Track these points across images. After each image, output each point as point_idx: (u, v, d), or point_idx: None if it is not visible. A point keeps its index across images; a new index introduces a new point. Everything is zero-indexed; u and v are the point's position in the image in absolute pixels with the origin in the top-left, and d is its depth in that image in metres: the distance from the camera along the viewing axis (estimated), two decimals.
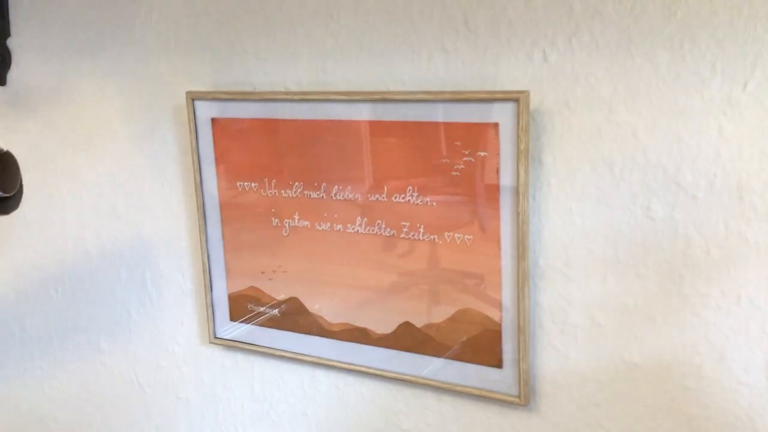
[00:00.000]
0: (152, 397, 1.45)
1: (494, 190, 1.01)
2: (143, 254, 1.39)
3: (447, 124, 1.02)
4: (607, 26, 0.94)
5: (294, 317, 1.22)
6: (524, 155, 0.98)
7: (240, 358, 1.33)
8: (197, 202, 1.26)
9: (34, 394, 1.60)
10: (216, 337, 1.31)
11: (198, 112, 1.22)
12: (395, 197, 1.09)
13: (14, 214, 1.15)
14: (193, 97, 1.22)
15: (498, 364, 1.06)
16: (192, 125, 1.23)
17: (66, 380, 1.55)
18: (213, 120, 1.21)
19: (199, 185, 1.25)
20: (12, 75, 1.46)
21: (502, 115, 0.98)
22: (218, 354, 1.35)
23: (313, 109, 1.12)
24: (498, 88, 1.01)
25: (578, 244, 1.01)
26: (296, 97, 1.13)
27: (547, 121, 0.99)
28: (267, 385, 1.31)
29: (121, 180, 1.38)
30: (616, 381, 1.02)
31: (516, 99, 0.97)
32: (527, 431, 1.09)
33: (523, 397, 1.05)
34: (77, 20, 1.36)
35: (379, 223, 1.11)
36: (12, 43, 1.45)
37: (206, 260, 1.28)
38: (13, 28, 1.45)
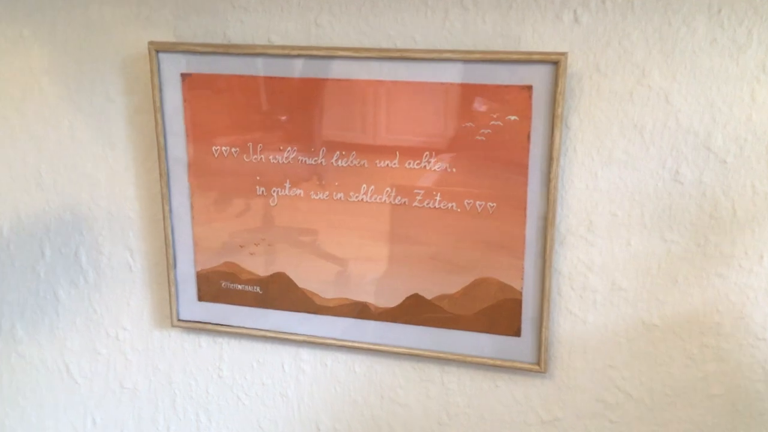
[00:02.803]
0: (87, 388, 1.28)
1: (524, 156, 0.97)
2: (76, 228, 1.21)
3: (474, 86, 0.96)
4: None
5: (279, 294, 1.12)
6: (560, 120, 0.95)
7: (204, 341, 1.20)
8: (160, 168, 1.10)
9: None
10: (180, 320, 1.17)
11: (163, 66, 1.06)
12: (408, 163, 1.01)
13: None
14: (157, 49, 1.05)
15: (516, 332, 1.04)
16: (156, 80, 1.06)
17: None
18: (183, 75, 1.06)
19: (163, 149, 1.09)
20: None
21: (537, 77, 0.94)
22: (176, 338, 1.21)
23: (314, 66, 1.01)
24: (522, 49, 0.97)
25: (602, 209, 1.00)
26: (294, 52, 1.01)
27: (575, 84, 0.97)
28: (237, 367, 1.20)
29: (48, 144, 1.18)
30: (633, 342, 1.03)
31: (556, 61, 0.93)
32: (540, 397, 1.09)
33: (543, 364, 1.04)
34: None
35: (388, 191, 1.03)
36: None
37: (170, 233, 1.13)
38: None
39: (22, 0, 1.13)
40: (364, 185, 1.04)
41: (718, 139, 0.95)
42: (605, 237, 1.01)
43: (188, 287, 1.16)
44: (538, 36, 0.97)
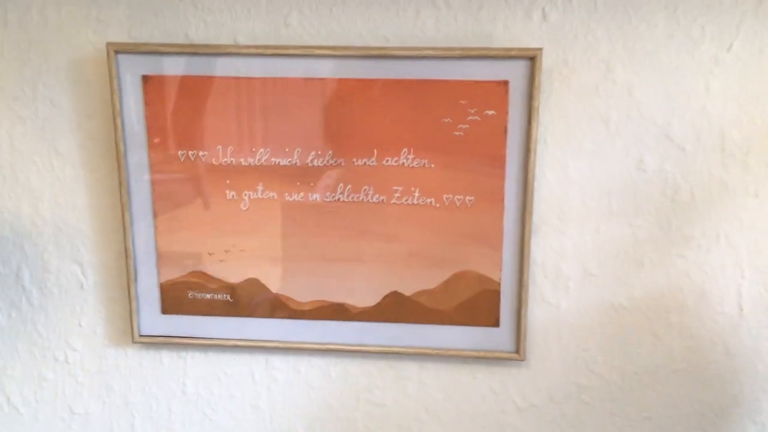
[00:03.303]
0: (32, 417, 1.19)
1: (501, 149, 1.00)
2: (17, 244, 1.12)
3: (451, 82, 0.98)
4: None
5: (251, 301, 1.09)
6: (536, 113, 0.98)
7: (166, 356, 1.15)
8: (120, 176, 1.04)
9: None
10: (141, 335, 1.11)
11: (122, 68, 1.01)
12: (386, 161, 1.02)
13: None
14: (116, 50, 1.00)
15: (495, 323, 1.06)
16: (114, 84, 1.01)
17: None
18: (144, 77, 1.01)
19: (123, 155, 1.04)
20: None
21: (513, 73, 0.98)
22: (134, 355, 1.15)
23: (285, 65, 0.99)
24: (494, 46, 1.00)
25: (573, 198, 1.04)
26: (268, 51, 0.99)
27: (545, 79, 1.01)
28: (203, 382, 1.15)
29: None
30: (604, 326, 1.08)
31: (532, 57, 0.96)
32: (517, 386, 1.11)
33: (522, 352, 1.07)
34: None
35: (366, 190, 1.03)
36: None
37: (130, 245, 1.07)
38: None
39: None
40: (341, 184, 1.03)
41: (677, 129, 1.01)
42: (576, 225, 1.05)
43: (150, 300, 1.10)
44: (508, 33, 1.00)
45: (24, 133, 1.08)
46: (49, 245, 1.12)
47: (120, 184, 1.05)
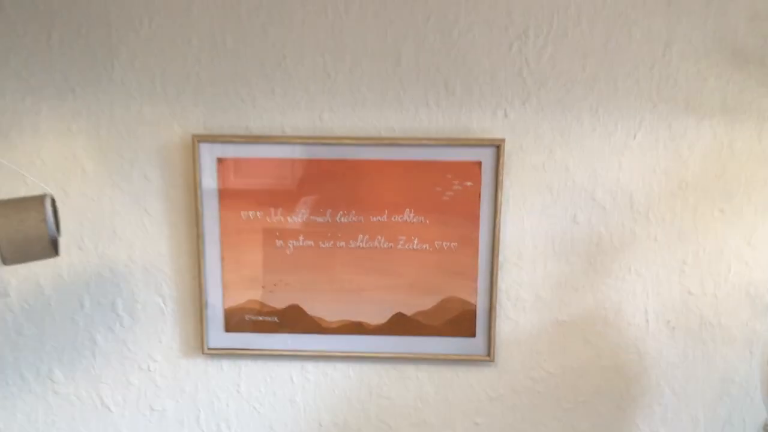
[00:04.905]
0: (119, 414, 1.54)
1: (475, 209, 1.40)
2: (114, 283, 1.48)
3: (440, 162, 1.39)
4: (549, 95, 1.39)
5: (293, 321, 1.46)
6: (501, 185, 1.39)
7: (226, 364, 1.52)
8: (198, 230, 1.42)
9: None
10: (209, 348, 1.48)
11: (202, 152, 1.39)
12: (394, 218, 1.41)
13: None
14: (198, 139, 1.38)
15: (472, 334, 1.46)
16: (197, 164, 1.39)
17: (4, 417, 1.54)
18: (219, 159, 1.39)
19: (201, 215, 1.41)
20: None
21: (484, 155, 1.38)
22: (201, 364, 1.52)
23: (320, 150, 1.38)
24: (471, 137, 1.41)
25: (527, 243, 1.45)
26: (307, 140, 1.38)
27: (507, 159, 1.41)
28: (253, 382, 1.52)
29: (89, 215, 1.45)
30: (551, 335, 1.48)
31: (498, 144, 1.37)
32: (488, 381, 1.51)
33: (492, 355, 1.47)
34: (36, 65, 1.40)
35: (379, 239, 1.42)
36: None
37: (203, 281, 1.44)
38: None
39: (71, 101, 1.41)
40: (361, 235, 1.42)
41: (599, 194, 1.43)
42: (529, 263, 1.46)
43: (216, 322, 1.47)
44: (480, 127, 1.41)
45: (122, 199, 1.45)
46: (139, 282, 1.48)
47: (197, 236, 1.43)
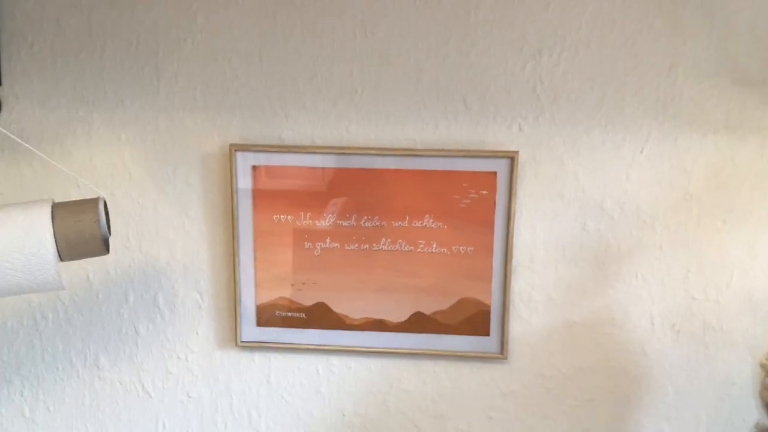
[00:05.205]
0: (159, 400, 1.67)
1: (491, 216, 1.51)
2: (156, 279, 1.61)
3: (458, 172, 1.49)
4: (561, 110, 1.49)
5: (319, 318, 1.58)
6: (514, 194, 1.49)
7: (257, 356, 1.64)
8: (233, 232, 1.54)
9: (14, 420, 1.70)
10: (242, 341, 1.60)
11: (238, 160, 1.51)
12: (414, 223, 1.52)
13: None
14: (235, 149, 1.51)
15: (487, 333, 1.56)
16: (234, 171, 1.51)
17: (53, 400, 1.68)
18: (254, 167, 1.52)
19: (236, 218, 1.54)
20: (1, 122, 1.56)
21: (499, 166, 1.48)
22: (234, 356, 1.64)
23: (346, 159, 1.50)
24: (487, 149, 1.51)
25: (539, 248, 1.55)
26: (335, 150, 1.50)
27: (520, 170, 1.51)
28: (282, 373, 1.64)
29: (134, 217, 1.59)
30: (561, 335, 1.58)
31: (512, 156, 1.47)
32: (501, 377, 1.61)
33: (505, 353, 1.57)
34: (90, 79, 1.53)
35: (400, 242, 1.53)
36: (3, 92, 1.55)
37: (238, 279, 1.57)
38: (5, 79, 1.55)
39: (120, 112, 1.55)
40: (383, 238, 1.53)
41: (608, 203, 1.52)
42: (541, 266, 1.56)
43: (249, 317, 1.59)
44: (496, 139, 1.51)
45: (165, 202, 1.58)
46: (179, 279, 1.61)
47: (233, 237, 1.55)
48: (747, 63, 1.44)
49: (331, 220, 1.54)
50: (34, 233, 1.26)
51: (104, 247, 1.31)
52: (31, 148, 1.49)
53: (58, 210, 1.29)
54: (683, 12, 1.43)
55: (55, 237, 1.26)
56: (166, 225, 1.60)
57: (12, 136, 1.42)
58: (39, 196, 1.59)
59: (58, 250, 1.27)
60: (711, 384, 1.58)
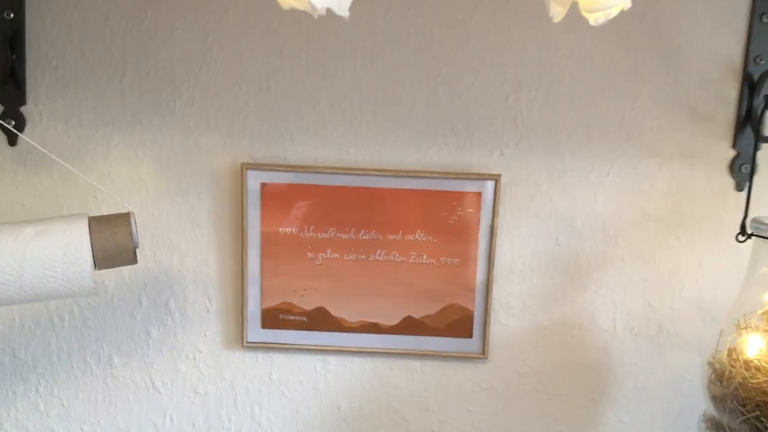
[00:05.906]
0: (168, 396, 1.82)
1: (476, 232, 1.69)
2: (168, 285, 1.76)
3: (447, 192, 1.67)
4: (538, 139, 1.68)
5: (319, 321, 1.74)
6: (497, 212, 1.67)
7: (260, 356, 1.79)
8: (243, 242, 1.70)
9: (30, 414, 1.82)
10: (248, 342, 1.76)
11: (249, 178, 1.67)
12: (407, 236, 1.70)
13: None
14: (247, 167, 1.66)
15: (469, 335, 1.74)
16: (244, 188, 1.67)
17: (68, 396, 1.81)
18: (262, 184, 1.67)
19: (246, 231, 1.69)
20: (24, 139, 1.69)
21: (484, 187, 1.67)
22: (239, 355, 1.79)
23: (346, 178, 1.67)
24: (473, 171, 1.69)
25: (517, 260, 1.74)
26: (337, 170, 1.66)
27: (502, 192, 1.70)
28: (283, 371, 1.80)
29: (149, 228, 1.73)
30: (536, 337, 1.77)
31: (496, 179, 1.66)
32: (482, 374, 1.79)
33: (486, 354, 1.75)
34: (110, 100, 1.67)
35: (394, 254, 1.70)
36: (27, 110, 1.68)
37: (245, 285, 1.72)
38: (30, 97, 1.68)
39: (138, 131, 1.69)
40: (379, 250, 1.71)
41: (578, 221, 1.72)
42: (519, 277, 1.75)
43: (254, 320, 1.75)
44: (480, 163, 1.69)
45: (179, 214, 1.73)
46: (189, 285, 1.76)
47: (242, 248, 1.70)
48: (696, 101, 1.65)
49: (332, 234, 1.70)
50: (73, 245, 1.40)
51: (134, 258, 1.46)
52: (58, 160, 1.61)
53: (93, 224, 1.43)
54: (644, 54, 1.64)
55: (92, 249, 1.40)
56: (178, 236, 1.74)
57: (40, 149, 1.55)
58: (59, 208, 1.72)
59: (94, 260, 1.41)
60: (665, 380, 1.79)
